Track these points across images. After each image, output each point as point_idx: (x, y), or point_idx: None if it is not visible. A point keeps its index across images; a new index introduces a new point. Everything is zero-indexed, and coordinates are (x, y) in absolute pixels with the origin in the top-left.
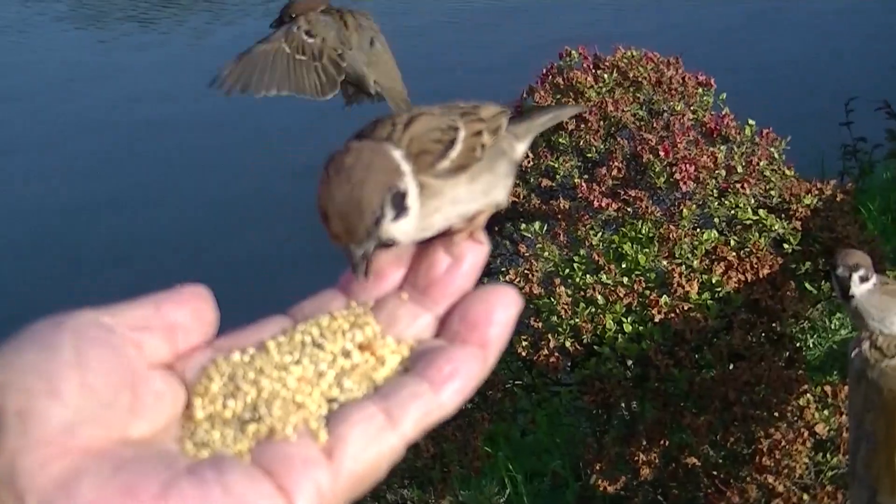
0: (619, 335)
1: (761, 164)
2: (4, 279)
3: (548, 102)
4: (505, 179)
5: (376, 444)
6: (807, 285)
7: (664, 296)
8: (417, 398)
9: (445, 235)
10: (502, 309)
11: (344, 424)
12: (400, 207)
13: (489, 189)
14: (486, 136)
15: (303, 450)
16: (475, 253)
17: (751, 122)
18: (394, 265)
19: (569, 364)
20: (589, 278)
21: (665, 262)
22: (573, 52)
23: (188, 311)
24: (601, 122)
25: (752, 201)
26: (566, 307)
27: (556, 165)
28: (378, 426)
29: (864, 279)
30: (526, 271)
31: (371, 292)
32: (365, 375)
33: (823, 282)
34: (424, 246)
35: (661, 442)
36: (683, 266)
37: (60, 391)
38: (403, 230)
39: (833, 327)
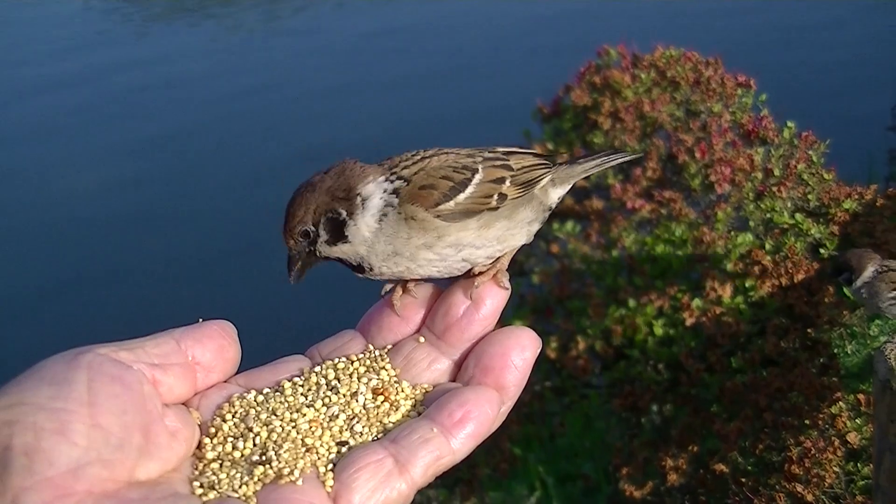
0: (650, 338)
1: (799, 167)
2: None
3: (584, 101)
4: (528, 226)
5: (384, 490)
6: (845, 291)
7: (696, 299)
8: (428, 443)
9: (467, 277)
10: (518, 352)
11: (352, 469)
12: (334, 232)
13: (505, 236)
14: (507, 185)
15: (309, 496)
16: (495, 297)
17: (790, 124)
18: (414, 308)
19: (599, 367)
20: (621, 280)
21: (698, 266)
22: (611, 50)
23: (211, 349)
24: (637, 122)
25: (790, 205)
26: (597, 309)
27: None
28: (386, 472)
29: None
30: (557, 271)
31: (389, 335)
32: (377, 420)
33: None
34: (446, 288)
35: (691, 448)
36: (717, 269)
37: (70, 431)
38: (349, 252)
39: (872, 333)
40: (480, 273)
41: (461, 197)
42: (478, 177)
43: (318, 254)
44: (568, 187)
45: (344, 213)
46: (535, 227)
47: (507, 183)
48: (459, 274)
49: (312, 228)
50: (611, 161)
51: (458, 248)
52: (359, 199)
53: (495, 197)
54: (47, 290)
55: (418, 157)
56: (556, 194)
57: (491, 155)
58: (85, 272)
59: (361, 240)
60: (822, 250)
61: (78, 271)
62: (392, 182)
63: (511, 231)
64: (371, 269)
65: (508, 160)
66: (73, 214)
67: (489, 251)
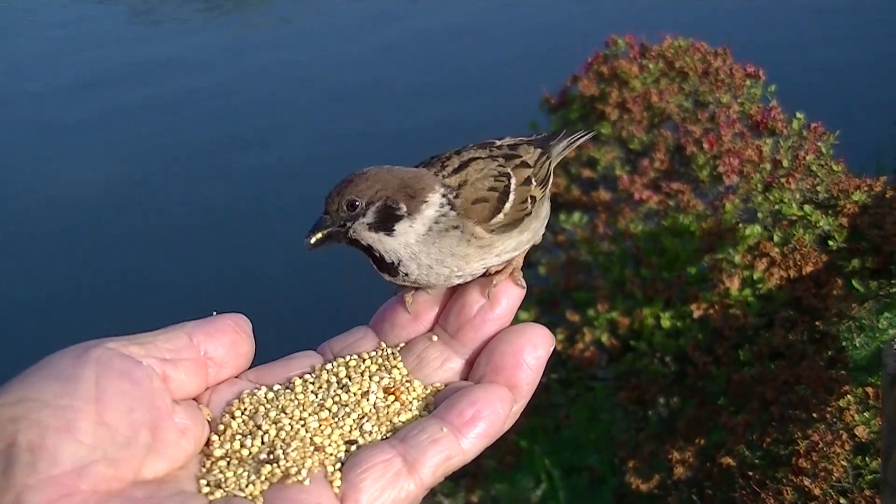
0: (657, 330)
1: (808, 158)
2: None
3: (592, 92)
4: (545, 221)
5: (392, 490)
6: (854, 283)
7: (704, 291)
8: (437, 443)
9: (483, 275)
10: (531, 350)
11: (360, 469)
12: (383, 221)
13: (535, 235)
14: (534, 185)
15: (315, 496)
16: (511, 296)
17: (799, 115)
18: (427, 306)
19: (605, 359)
20: (627, 271)
21: (706, 257)
22: (619, 40)
23: (224, 344)
24: (645, 113)
25: (798, 196)
26: (603, 300)
27: (598, 156)
28: (395, 472)
29: None
30: (564, 263)
31: (402, 333)
32: (387, 419)
33: (871, 280)
34: (459, 288)
35: (697, 441)
36: (725, 261)
37: (76, 428)
38: (387, 246)
39: (881, 326)
40: (497, 272)
41: (507, 207)
42: (513, 182)
43: (349, 233)
44: (553, 164)
45: (404, 209)
46: (546, 211)
47: (533, 183)
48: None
49: (364, 205)
50: (576, 140)
51: (501, 255)
52: (424, 205)
53: (529, 201)
54: (59, 293)
55: (455, 163)
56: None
57: (509, 152)
58: (99, 271)
59: (405, 242)
60: (830, 242)
61: (93, 271)
62: (445, 196)
63: (537, 230)
64: (406, 274)
65: (523, 156)
66: (84, 215)
67: (520, 250)
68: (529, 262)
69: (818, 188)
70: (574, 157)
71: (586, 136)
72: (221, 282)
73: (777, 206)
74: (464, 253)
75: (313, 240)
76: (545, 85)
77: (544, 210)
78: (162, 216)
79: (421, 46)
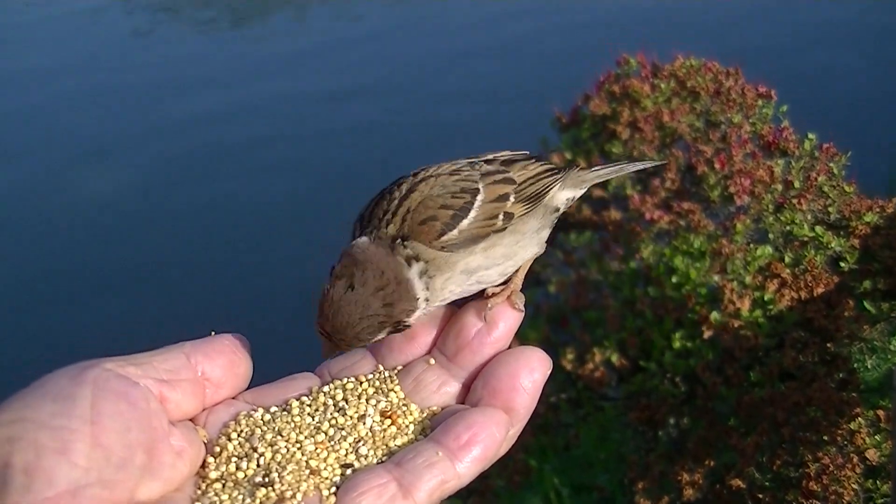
0: (667, 351)
1: (820, 179)
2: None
3: (603, 111)
4: (537, 234)
5: None
6: (865, 304)
7: (714, 312)
8: (433, 467)
9: (481, 297)
10: (528, 373)
11: (355, 493)
12: (395, 330)
13: (515, 250)
14: (512, 201)
15: None
16: (509, 319)
17: (810, 135)
18: (425, 329)
19: (615, 379)
20: (638, 291)
21: (717, 278)
22: (631, 59)
23: (221, 365)
24: (656, 132)
25: (810, 217)
26: (613, 320)
27: None
28: (390, 496)
29: None
30: (574, 281)
31: (399, 356)
32: (383, 443)
33: (883, 301)
34: (458, 307)
35: (707, 462)
36: (736, 282)
37: (71, 450)
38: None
39: (893, 348)
40: (494, 294)
41: (465, 223)
42: (479, 198)
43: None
44: (579, 191)
45: (409, 320)
46: (545, 233)
47: (512, 199)
48: (474, 293)
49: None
50: (629, 168)
51: (469, 273)
52: (419, 300)
53: (500, 217)
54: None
55: (397, 198)
56: (564, 196)
57: (491, 168)
58: (104, 274)
59: (421, 315)
60: (842, 263)
61: (97, 273)
62: (403, 249)
63: (520, 244)
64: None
65: (510, 172)
66: (94, 216)
67: (500, 269)
68: (538, 281)
69: (830, 209)
70: None
71: (644, 166)
72: (222, 301)
73: (788, 227)
74: (422, 272)
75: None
76: (556, 104)
77: (530, 224)
78: (161, 231)
79: (432, 63)
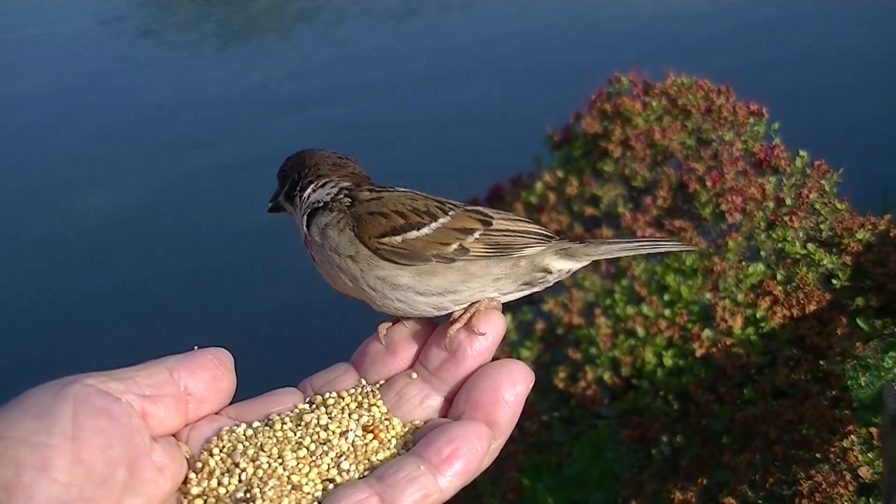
0: (659, 369)
1: (812, 196)
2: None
3: (595, 129)
4: (494, 282)
5: None
6: (858, 322)
7: (706, 329)
8: (414, 482)
9: (448, 321)
10: (510, 387)
11: None
12: (289, 193)
13: (459, 288)
14: (474, 238)
15: None
16: (475, 342)
17: (802, 153)
18: (407, 343)
19: (607, 397)
20: (630, 309)
21: (709, 295)
22: (623, 78)
23: (204, 380)
24: (647, 150)
25: (801, 235)
26: (606, 338)
27: (601, 193)
28: None
29: None
30: (566, 301)
31: (382, 370)
32: (365, 457)
33: (875, 318)
34: (439, 325)
35: (700, 480)
36: (728, 300)
37: (52, 466)
38: (296, 221)
39: (886, 365)
40: (454, 321)
41: (412, 235)
42: (439, 222)
43: (277, 199)
44: (579, 264)
45: (301, 184)
46: (509, 286)
47: (476, 236)
48: (428, 316)
49: (282, 178)
50: (641, 251)
51: (393, 287)
52: (313, 186)
53: (454, 246)
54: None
55: (377, 188)
56: (560, 264)
57: (478, 207)
58: (92, 292)
59: (302, 218)
60: (834, 281)
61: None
62: (342, 191)
63: (467, 284)
64: (309, 242)
65: (492, 216)
66: (81, 239)
67: (435, 301)
68: (531, 300)
69: (822, 226)
70: (577, 195)
71: (660, 250)
72: (205, 314)
73: (780, 245)
74: (348, 254)
75: (268, 207)
76: (548, 122)
77: (490, 269)
78: (152, 252)
79: (422, 85)
